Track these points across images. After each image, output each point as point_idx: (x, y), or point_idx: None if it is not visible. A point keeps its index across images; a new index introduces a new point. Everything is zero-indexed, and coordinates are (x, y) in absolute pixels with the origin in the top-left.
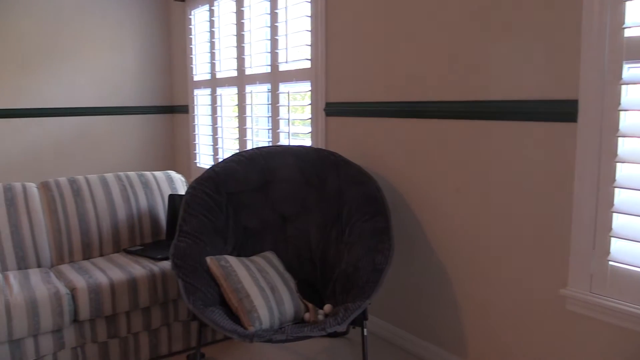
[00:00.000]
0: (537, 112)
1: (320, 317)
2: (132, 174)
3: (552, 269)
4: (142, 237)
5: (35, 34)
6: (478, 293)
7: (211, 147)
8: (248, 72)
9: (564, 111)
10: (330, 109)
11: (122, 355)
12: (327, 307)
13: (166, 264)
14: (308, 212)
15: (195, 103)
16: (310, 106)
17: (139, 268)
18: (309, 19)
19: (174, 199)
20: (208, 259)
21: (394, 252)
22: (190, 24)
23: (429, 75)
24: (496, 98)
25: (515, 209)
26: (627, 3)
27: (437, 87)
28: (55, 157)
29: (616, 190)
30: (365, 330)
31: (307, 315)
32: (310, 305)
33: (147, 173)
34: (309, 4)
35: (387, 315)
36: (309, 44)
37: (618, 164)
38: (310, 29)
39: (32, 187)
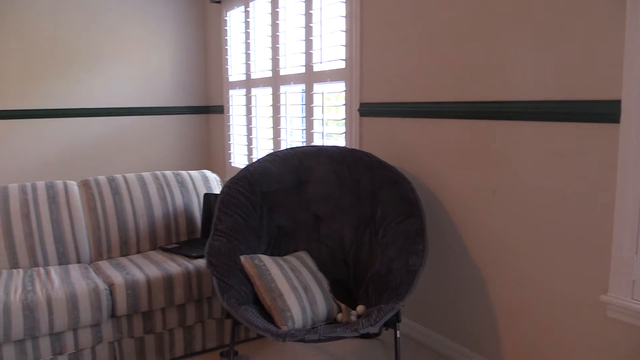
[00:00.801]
0: (578, 112)
1: (353, 317)
2: (168, 173)
3: (592, 274)
4: (177, 235)
5: (75, 37)
6: (514, 297)
7: (246, 147)
8: (283, 72)
9: (606, 112)
10: (365, 109)
11: (158, 350)
12: (360, 308)
13: (201, 262)
14: (342, 213)
15: (230, 103)
16: (344, 106)
17: (175, 265)
18: (344, 19)
19: (209, 197)
20: (242, 258)
21: (428, 253)
22: (226, 25)
23: (464, 75)
24: (535, 98)
25: (554, 212)
26: None
27: (474, 86)
28: (94, 155)
29: None
30: (398, 332)
31: (339, 316)
32: (343, 305)
33: (183, 172)
34: (344, 5)
35: (420, 317)
36: (344, 44)
37: None
38: (344, 29)
39: (73, 185)
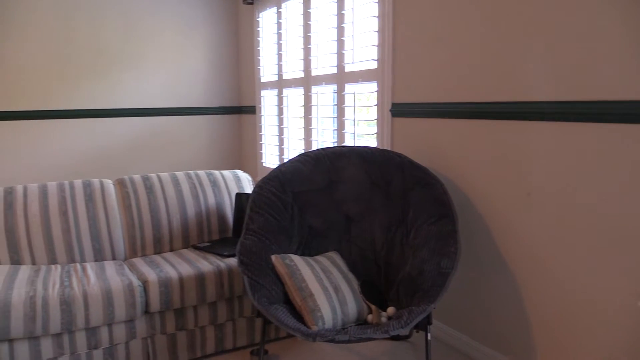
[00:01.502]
0: (619, 113)
1: (383, 319)
2: (201, 172)
3: (630, 280)
4: (209, 234)
5: (109, 39)
6: (549, 301)
7: (277, 147)
8: (314, 73)
9: None
10: (397, 110)
11: (189, 347)
12: (391, 310)
13: (232, 261)
14: (373, 213)
15: (262, 104)
16: (376, 107)
17: (207, 264)
18: (376, 19)
19: (240, 197)
20: (273, 257)
21: (460, 256)
22: (258, 26)
23: (499, 75)
24: (574, 99)
25: (591, 216)
26: None
27: (509, 86)
28: (129, 155)
29: None
30: (429, 334)
31: (370, 317)
32: (373, 306)
33: (216, 172)
34: (376, 5)
35: (451, 320)
36: (376, 44)
37: None
38: (377, 30)
39: (109, 184)
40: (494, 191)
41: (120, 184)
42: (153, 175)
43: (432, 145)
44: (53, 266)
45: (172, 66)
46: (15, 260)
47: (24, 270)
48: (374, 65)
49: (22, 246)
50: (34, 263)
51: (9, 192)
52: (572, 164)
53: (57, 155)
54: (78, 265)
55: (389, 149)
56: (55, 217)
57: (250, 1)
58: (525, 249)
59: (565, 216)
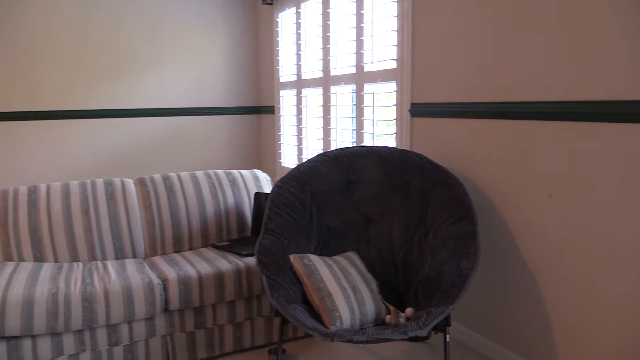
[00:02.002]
0: None
1: (402, 320)
2: (220, 172)
3: None
4: (228, 233)
5: (130, 39)
6: (571, 304)
7: (296, 147)
8: (333, 73)
9: None
10: (416, 110)
11: (208, 345)
12: (409, 311)
13: (251, 260)
14: (391, 214)
15: (281, 104)
16: (395, 107)
17: (226, 263)
18: (396, 19)
19: (259, 197)
20: (291, 257)
21: (480, 257)
22: (278, 27)
23: (520, 75)
24: (596, 98)
25: (615, 217)
26: None
27: (529, 86)
28: (150, 154)
29: None
30: (447, 336)
31: (388, 318)
32: (391, 307)
33: (235, 171)
34: (396, 4)
35: (471, 322)
36: (395, 44)
37: None
38: (396, 29)
39: (130, 183)
40: (514, 192)
41: (140, 183)
42: (173, 175)
43: (451, 145)
44: (75, 264)
45: (192, 66)
46: (39, 258)
47: (47, 268)
48: (393, 65)
49: (45, 244)
50: (56, 261)
51: (33, 191)
52: (595, 165)
53: (79, 154)
54: (99, 263)
55: (408, 149)
56: (77, 216)
57: (270, 2)
58: (546, 250)
59: (587, 218)
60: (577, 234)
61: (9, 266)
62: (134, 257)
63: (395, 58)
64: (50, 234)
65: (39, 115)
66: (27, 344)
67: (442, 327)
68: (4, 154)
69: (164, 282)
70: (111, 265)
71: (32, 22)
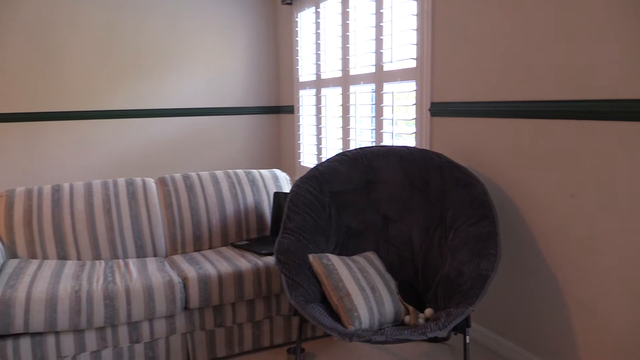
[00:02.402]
0: None
1: (421, 320)
2: (240, 171)
3: None
4: (248, 232)
5: (151, 40)
6: (594, 306)
7: (315, 146)
8: (352, 72)
9: None
10: (436, 109)
11: (227, 343)
12: (428, 311)
13: (270, 259)
14: (411, 214)
15: (300, 103)
16: (414, 106)
17: (245, 262)
18: (415, 17)
19: (278, 196)
20: (310, 257)
21: (501, 258)
22: (297, 27)
23: (541, 73)
24: (618, 97)
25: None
26: None
27: (551, 85)
28: (170, 154)
29: None
30: (467, 337)
31: (407, 318)
32: (410, 308)
33: (254, 171)
34: (415, 3)
35: (491, 323)
36: (415, 43)
37: None
38: (415, 28)
39: (151, 182)
40: (536, 192)
41: (161, 182)
42: (193, 174)
43: (472, 145)
44: (97, 262)
45: (212, 67)
46: (62, 256)
47: (70, 266)
48: (412, 64)
49: (69, 242)
50: (79, 258)
51: (56, 190)
52: (619, 164)
53: (102, 154)
54: (121, 261)
55: (428, 148)
56: (99, 214)
57: (289, 1)
58: (569, 252)
59: (611, 219)
60: (600, 234)
61: (34, 264)
62: (155, 255)
63: (414, 57)
64: (73, 232)
65: (62, 115)
66: (50, 340)
67: (462, 328)
68: (28, 154)
69: (184, 281)
70: (132, 263)
71: (57, 25)
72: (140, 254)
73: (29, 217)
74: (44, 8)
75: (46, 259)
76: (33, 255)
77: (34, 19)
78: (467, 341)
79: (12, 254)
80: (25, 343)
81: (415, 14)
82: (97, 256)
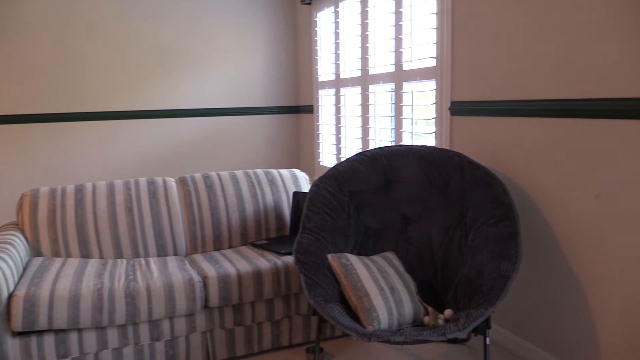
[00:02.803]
0: None
1: (440, 321)
2: (259, 171)
3: None
4: (267, 232)
5: (171, 41)
6: (618, 308)
7: (334, 146)
8: (372, 72)
9: None
10: (456, 108)
11: (247, 342)
12: (448, 312)
13: (289, 259)
14: (430, 214)
15: (319, 103)
16: (434, 105)
17: (264, 261)
18: (435, 16)
19: (298, 196)
20: (329, 256)
21: (522, 259)
22: (316, 26)
23: (565, 71)
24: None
25: None
26: None
27: (575, 83)
28: (190, 154)
29: None
30: (487, 339)
31: (426, 319)
32: (430, 308)
33: (273, 171)
34: (435, 1)
35: (511, 324)
36: (435, 41)
37: None
38: (435, 27)
39: (172, 182)
40: (558, 192)
41: (182, 182)
42: (213, 174)
43: (492, 145)
44: (119, 260)
45: (232, 67)
46: (85, 254)
47: (92, 264)
48: (432, 63)
49: (91, 241)
50: (101, 257)
51: (79, 190)
52: None
53: (123, 154)
54: (142, 260)
55: (448, 148)
56: (121, 214)
57: (308, 1)
58: (593, 253)
59: (635, 218)
60: (624, 235)
61: (57, 262)
62: (175, 254)
63: (434, 56)
64: (95, 231)
65: (84, 116)
66: (73, 337)
67: (482, 329)
68: (51, 154)
69: (204, 280)
70: (153, 262)
71: (77, 28)
72: (161, 252)
73: (53, 216)
74: (65, 11)
75: (69, 257)
76: (56, 254)
77: (55, 22)
78: (488, 342)
79: (36, 252)
80: (49, 339)
81: (435, 12)
82: (118, 255)
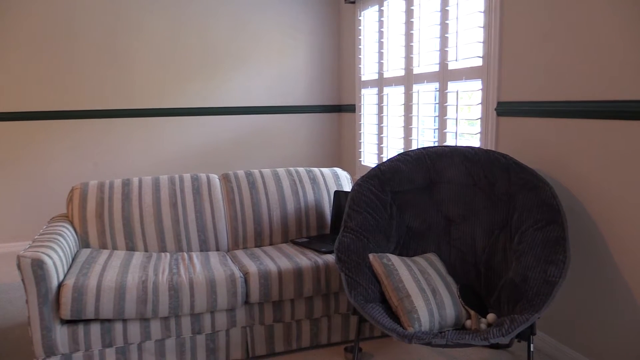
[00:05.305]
0: None
1: (483, 325)
2: (301, 169)
3: None
4: (308, 230)
5: (216, 40)
6: None
7: (376, 145)
8: (416, 71)
9: None
10: (502, 109)
11: (286, 339)
12: (491, 317)
13: (330, 257)
14: (474, 216)
15: (362, 102)
16: (479, 105)
17: (305, 259)
18: (482, 14)
19: (339, 195)
20: (371, 256)
21: (570, 264)
22: (360, 25)
23: (617, 71)
24: None
25: None
26: None
27: (627, 84)
28: (234, 151)
29: None
30: (532, 345)
31: (468, 322)
32: (472, 312)
33: (315, 169)
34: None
35: (557, 332)
36: (481, 40)
37: None
38: (482, 25)
39: (215, 178)
40: (609, 196)
41: (225, 178)
42: (255, 171)
43: (540, 147)
44: (163, 254)
45: (276, 66)
46: (130, 247)
47: (138, 257)
48: (478, 62)
49: (137, 234)
50: (146, 250)
51: (126, 184)
52: None
53: (169, 150)
54: (185, 254)
55: (493, 149)
56: (166, 208)
57: (352, 0)
58: None
59: None
60: None
61: (104, 253)
62: (217, 249)
63: (481, 55)
64: (141, 225)
65: (131, 113)
66: (118, 327)
67: (527, 335)
68: (100, 149)
69: (245, 275)
70: (196, 256)
71: (125, 28)
72: (204, 247)
73: (101, 209)
74: (113, 12)
75: (115, 250)
76: (104, 246)
77: (104, 22)
78: (532, 350)
79: (84, 243)
80: (95, 328)
81: (482, 10)
82: (162, 248)
